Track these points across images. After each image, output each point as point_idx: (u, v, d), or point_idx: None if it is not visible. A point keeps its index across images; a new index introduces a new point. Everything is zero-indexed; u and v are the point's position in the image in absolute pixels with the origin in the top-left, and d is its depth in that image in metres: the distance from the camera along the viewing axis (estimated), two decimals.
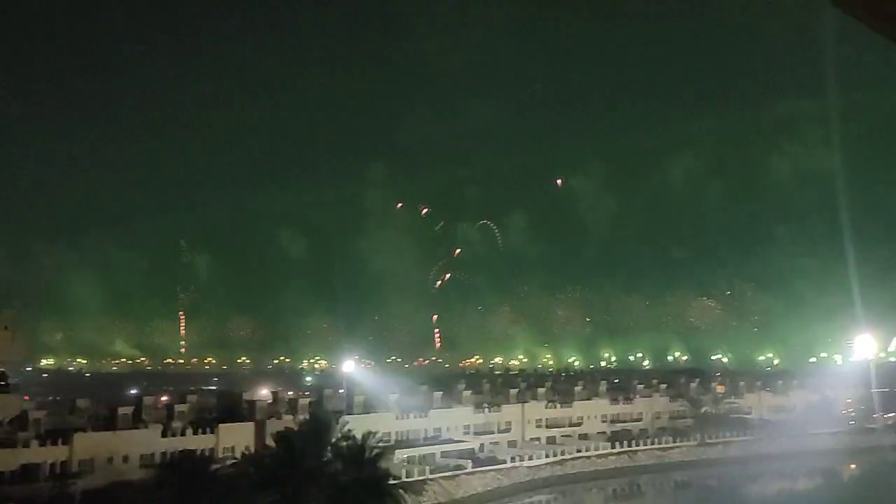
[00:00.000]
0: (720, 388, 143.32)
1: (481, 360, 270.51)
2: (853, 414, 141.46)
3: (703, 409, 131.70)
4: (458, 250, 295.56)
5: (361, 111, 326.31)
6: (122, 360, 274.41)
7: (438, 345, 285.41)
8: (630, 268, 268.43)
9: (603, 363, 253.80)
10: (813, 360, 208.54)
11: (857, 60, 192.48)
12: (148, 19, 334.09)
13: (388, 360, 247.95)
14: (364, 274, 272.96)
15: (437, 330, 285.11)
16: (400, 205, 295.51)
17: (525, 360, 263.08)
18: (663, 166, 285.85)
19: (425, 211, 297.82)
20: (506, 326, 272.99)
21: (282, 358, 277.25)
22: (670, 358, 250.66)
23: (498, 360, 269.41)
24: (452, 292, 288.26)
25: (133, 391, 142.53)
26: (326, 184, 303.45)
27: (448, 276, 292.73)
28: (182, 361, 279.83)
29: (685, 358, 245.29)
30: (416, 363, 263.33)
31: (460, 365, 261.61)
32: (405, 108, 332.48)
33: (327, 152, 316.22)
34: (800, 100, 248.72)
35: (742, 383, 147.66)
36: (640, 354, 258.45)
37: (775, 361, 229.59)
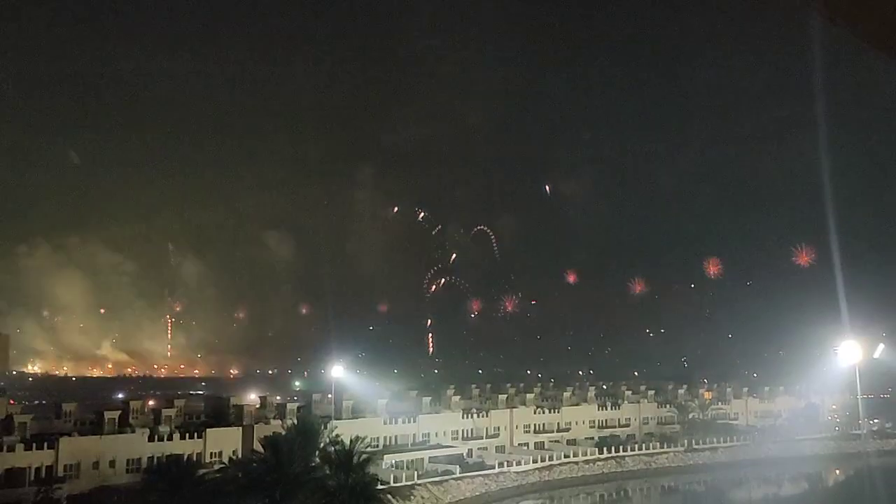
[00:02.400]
0: (707, 395, 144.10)
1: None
2: (838, 420, 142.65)
3: (690, 415, 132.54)
4: (453, 255, 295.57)
5: (351, 112, 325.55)
6: (109, 363, 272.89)
7: (432, 349, 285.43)
8: (620, 271, 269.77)
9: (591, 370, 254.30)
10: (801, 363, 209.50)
11: (845, 65, 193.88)
12: (134, 17, 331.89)
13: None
14: (356, 278, 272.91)
15: (430, 334, 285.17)
16: (396, 208, 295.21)
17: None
18: (654, 171, 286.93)
19: (422, 215, 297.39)
20: (494, 331, 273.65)
21: (270, 364, 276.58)
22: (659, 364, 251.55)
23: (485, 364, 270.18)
24: (447, 297, 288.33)
25: (120, 395, 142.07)
26: (316, 185, 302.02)
27: (443, 280, 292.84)
28: (171, 361, 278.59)
29: (683, 360, 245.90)
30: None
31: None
32: (395, 110, 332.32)
33: (317, 154, 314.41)
34: (789, 105, 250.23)
35: (729, 389, 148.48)
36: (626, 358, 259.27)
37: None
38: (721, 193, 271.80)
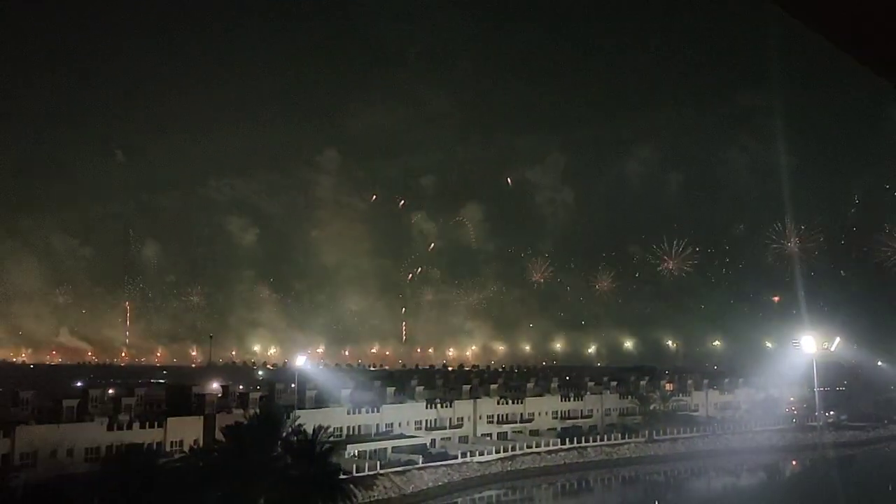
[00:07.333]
0: (669, 386, 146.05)
1: (432, 351, 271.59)
2: (796, 412, 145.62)
3: (651, 407, 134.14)
4: (431, 244, 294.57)
5: (313, 96, 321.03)
6: (67, 351, 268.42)
7: (405, 339, 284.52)
8: (586, 260, 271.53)
9: (555, 360, 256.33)
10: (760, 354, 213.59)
11: (809, 57, 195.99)
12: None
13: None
14: (322, 265, 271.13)
15: (404, 323, 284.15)
16: (374, 197, 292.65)
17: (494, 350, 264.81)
18: (621, 158, 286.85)
19: (402, 203, 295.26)
20: (463, 321, 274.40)
21: (233, 353, 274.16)
22: (626, 347, 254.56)
23: (451, 354, 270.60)
24: (419, 286, 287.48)
25: (79, 383, 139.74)
26: (278, 171, 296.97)
27: (420, 269, 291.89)
28: (131, 349, 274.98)
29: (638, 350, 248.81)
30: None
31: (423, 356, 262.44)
32: (359, 95, 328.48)
33: (280, 138, 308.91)
34: (757, 94, 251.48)
35: (690, 381, 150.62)
36: (592, 350, 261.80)
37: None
38: (689, 180, 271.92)
